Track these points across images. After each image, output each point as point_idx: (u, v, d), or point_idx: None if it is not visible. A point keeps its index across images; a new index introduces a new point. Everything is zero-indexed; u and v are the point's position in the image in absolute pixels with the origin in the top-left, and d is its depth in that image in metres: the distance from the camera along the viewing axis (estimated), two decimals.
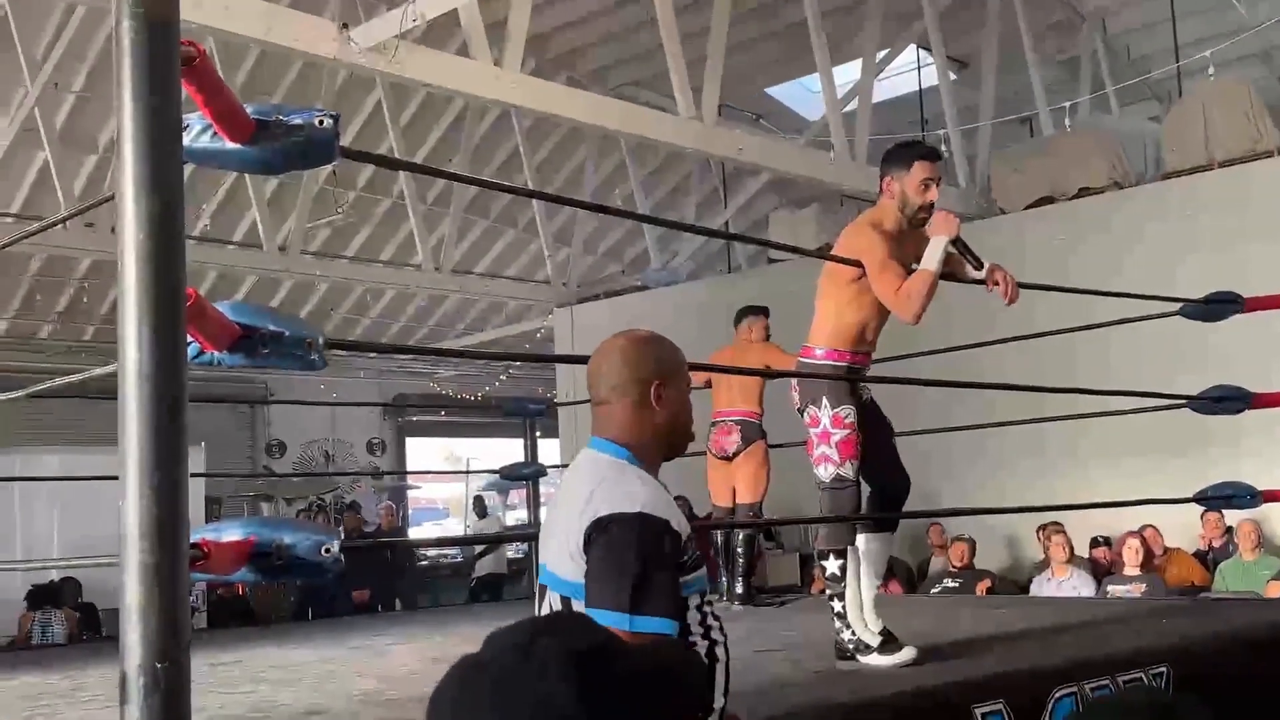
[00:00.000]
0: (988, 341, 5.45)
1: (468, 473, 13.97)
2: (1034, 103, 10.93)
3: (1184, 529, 7.96)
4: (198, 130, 2.07)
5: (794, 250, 5.06)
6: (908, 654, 3.37)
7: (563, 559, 1.90)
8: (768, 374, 4.74)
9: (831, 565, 3.49)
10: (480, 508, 13.39)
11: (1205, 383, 4.53)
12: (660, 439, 2.04)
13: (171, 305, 1.69)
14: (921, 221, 3.60)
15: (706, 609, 1.94)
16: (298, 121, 2.12)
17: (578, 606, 1.87)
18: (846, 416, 3.48)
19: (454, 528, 16.83)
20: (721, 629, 1.94)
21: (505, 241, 13.76)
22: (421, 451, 17.06)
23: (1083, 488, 8.16)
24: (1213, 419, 4.81)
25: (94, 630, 9.25)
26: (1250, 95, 8.65)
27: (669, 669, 0.86)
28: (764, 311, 6.43)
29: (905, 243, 3.56)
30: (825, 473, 3.51)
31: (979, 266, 3.61)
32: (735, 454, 6.13)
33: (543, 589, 1.99)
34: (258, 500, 13.52)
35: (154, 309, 1.66)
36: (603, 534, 1.84)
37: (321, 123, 2.12)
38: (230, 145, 2.10)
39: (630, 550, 1.81)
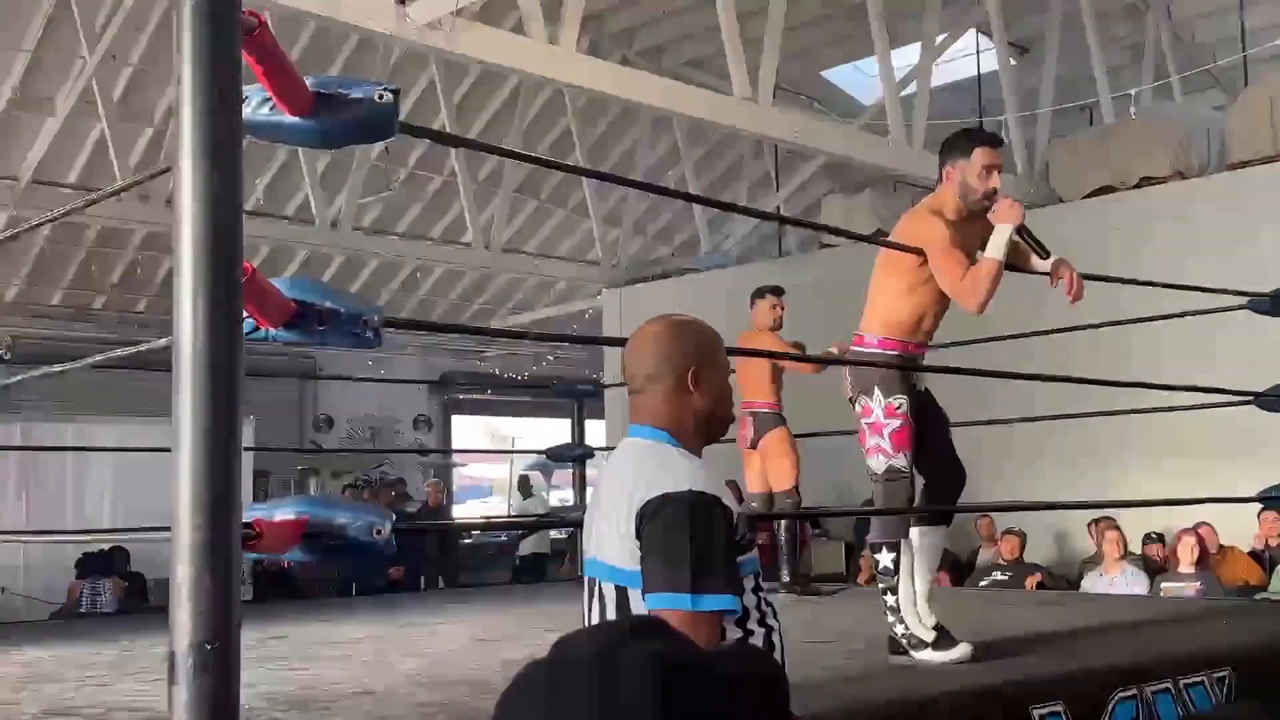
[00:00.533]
0: (1038, 331, 5.37)
1: (513, 452, 14.00)
2: (1095, 89, 10.73)
3: (1239, 527, 7.80)
4: (256, 102, 2.04)
5: (853, 236, 4.95)
6: (962, 651, 3.29)
7: (614, 548, 1.87)
8: (824, 360, 4.62)
9: (884, 558, 3.42)
10: (525, 488, 13.41)
11: (1265, 380, 4.42)
12: (699, 424, 2.00)
13: (228, 279, 1.66)
14: (983, 209, 3.51)
15: (761, 593, 1.90)
16: (358, 95, 2.09)
17: (634, 596, 1.83)
18: (899, 406, 3.40)
19: (498, 506, 16.89)
20: (775, 615, 1.89)
21: (555, 221, 13.74)
22: (466, 430, 17.12)
23: (1132, 484, 8.03)
24: (1264, 418, 4.67)
25: (141, 599, 9.35)
26: None
27: (757, 679, 0.81)
28: (769, 292, 6.33)
29: (967, 231, 3.48)
30: (877, 464, 3.44)
31: (1045, 256, 3.51)
32: (754, 444, 6.14)
33: (592, 582, 1.94)
34: (305, 474, 13.62)
35: (210, 282, 1.64)
36: (655, 516, 1.80)
37: (381, 97, 2.08)
38: (289, 118, 2.06)
39: (685, 529, 1.78)
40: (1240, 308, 4.55)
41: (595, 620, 1.91)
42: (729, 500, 1.86)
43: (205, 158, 1.65)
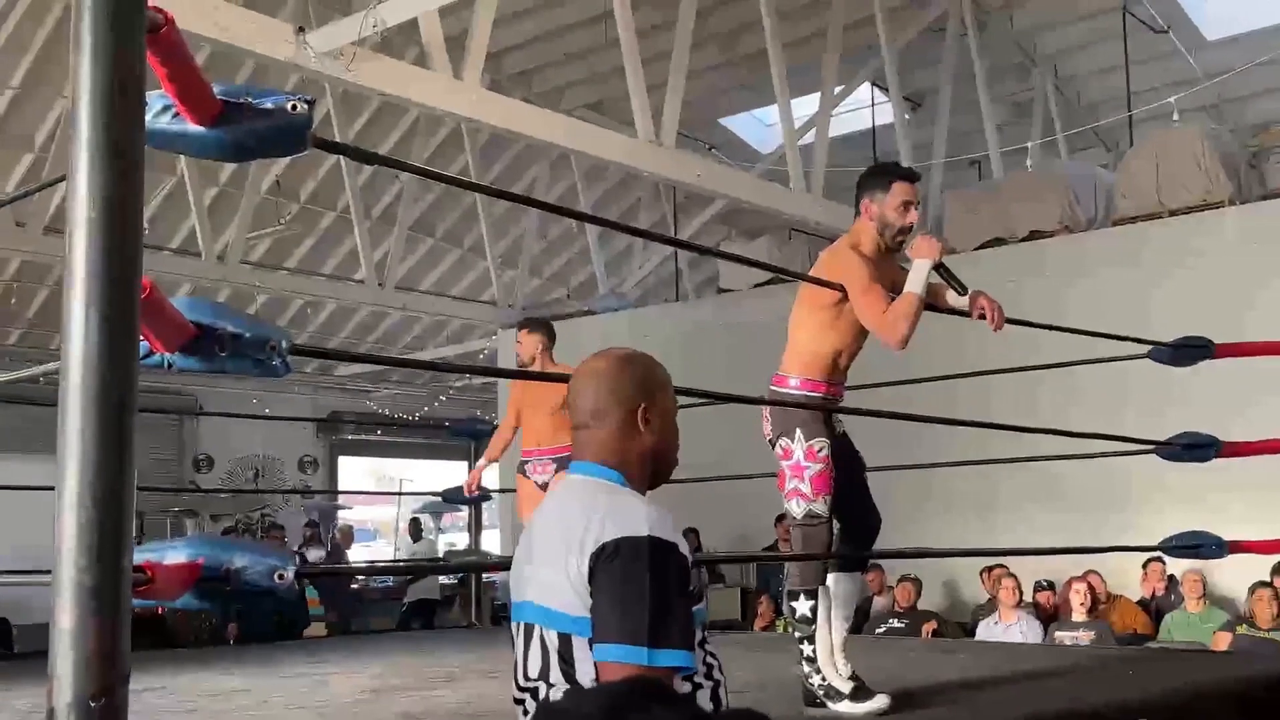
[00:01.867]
0: (945, 375, 5.39)
1: (406, 494, 13.70)
2: (985, 143, 10.99)
3: (1123, 577, 7.95)
4: (158, 109, 1.89)
5: (778, 271, 4.88)
6: (880, 702, 3.22)
7: (559, 592, 1.73)
8: (753, 401, 4.41)
9: (802, 606, 3.33)
10: (415, 530, 13.10)
11: (1162, 428, 4.47)
12: (646, 463, 1.89)
13: (125, 294, 1.49)
14: (899, 245, 3.49)
15: (707, 646, 1.79)
16: (269, 105, 1.95)
17: (579, 644, 1.70)
18: (820, 450, 3.34)
19: (383, 550, 16.50)
20: (721, 669, 1.78)
21: (451, 260, 13.57)
22: (353, 471, 16.72)
23: (1024, 530, 8.14)
24: (1163, 467, 4.73)
25: (6, 646, 8.84)
26: (1203, 145, 8.72)
27: None
28: (542, 326, 5.91)
29: (885, 267, 3.45)
30: (797, 508, 3.36)
31: (963, 292, 3.49)
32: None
33: (528, 628, 1.80)
34: (182, 516, 13.11)
35: (104, 297, 1.47)
36: (610, 561, 1.67)
37: (295, 107, 1.95)
38: (193, 128, 1.92)
39: (643, 577, 1.65)
40: (1142, 356, 4.61)
41: (535, 669, 1.77)
42: (684, 547, 1.74)
43: (104, 163, 1.49)
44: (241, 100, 1.94)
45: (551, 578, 1.74)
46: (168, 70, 1.80)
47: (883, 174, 3.52)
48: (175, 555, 1.85)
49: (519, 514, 6.07)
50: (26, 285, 11.68)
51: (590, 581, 1.69)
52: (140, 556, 1.72)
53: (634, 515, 1.73)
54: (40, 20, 9.02)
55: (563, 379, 2.08)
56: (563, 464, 5.56)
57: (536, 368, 5.72)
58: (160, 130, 1.90)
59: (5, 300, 11.85)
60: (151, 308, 1.70)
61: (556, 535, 1.78)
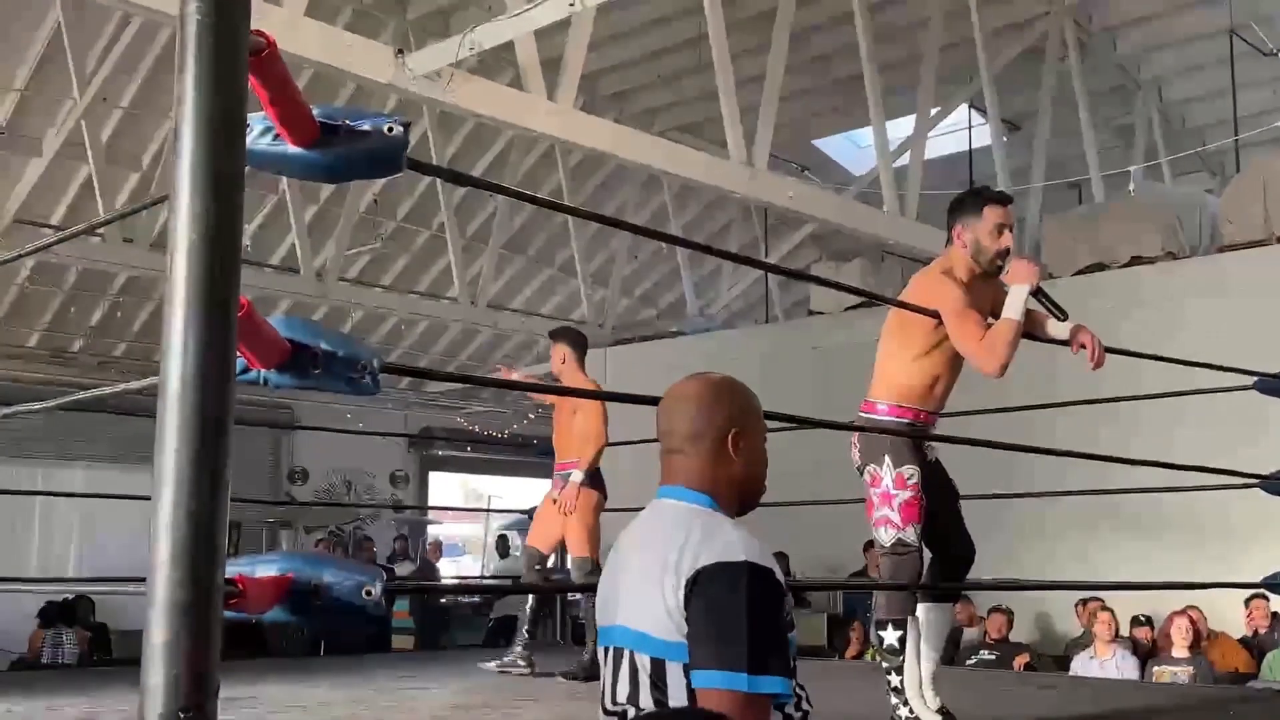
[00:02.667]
0: (1043, 405, 5.27)
1: (494, 511, 13.80)
2: (1083, 168, 10.78)
3: (1225, 613, 7.69)
4: (258, 131, 1.92)
5: (868, 295, 4.85)
6: None
7: (654, 617, 1.72)
8: (841, 426, 4.29)
9: (890, 636, 3.27)
10: (503, 547, 13.19)
11: (1266, 461, 4.32)
12: (735, 489, 1.88)
13: (223, 315, 1.52)
14: (996, 270, 3.43)
15: (796, 674, 1.77)
16: (365, 127, 1.97)
17: (673, 669, 1.69)
18: (910, 478, 3.28)
19: (470, 566, 16.63)
20: (809, 699, 1.76)
21: (542, 279, 13.67)
22: (443, 487, 16.89)
23: (1121, 563, 7.92)
24: (1265, 501, 4.57)
25: (105, 651, 9.08)
26: None
27: None
28: (566, 335, 5.86)
29: (979, 292, 3.38)
30: (885, 536, 3.31)
31: (1063, 318, 3.41)
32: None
33: (618, 652, 1.79)
34: (277, 527, 13.36)
35: (204, 318, 1.50)
36: (709, 586, 1.67)
37: (391, 130, 1.97)
38: (292, 149, 1.94)
39: (742, 603, 1.65)
40: (1248, 387, 4.46)
41: (624, 693, 1.77)
42: (779, 573, 1.73)
43: (206, 185, 1.53)
44: (339, 122, 1.96)
45: (645, 602, 1.74)
46: (269, 93, 1.83)
47: (974, 198, 3.47)
48: (266, 569, 1.87)
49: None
50: (132, 300, 12.02)
51: (686, 607, 1.68)
52: (232, 569, 1.75)
53: (730, 541, 1.72)
54: (150, 42, 9.30)
55: (647, 400, 2.07)
56: (564, 478, 5.59)
57: (564, 380, 5.67)
58: (260, 151, 1.93)
59: (112, 314, 12.21)
60: (249, 326, 1.73)
61: (650, 560, 1.77)
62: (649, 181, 12.16)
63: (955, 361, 3.38)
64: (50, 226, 10.38)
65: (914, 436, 3.35)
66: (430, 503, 16.50)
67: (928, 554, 3.42)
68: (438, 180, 11.13)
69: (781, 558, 8.48)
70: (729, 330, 12.19)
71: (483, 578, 13.99)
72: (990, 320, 3.31)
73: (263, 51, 1.71)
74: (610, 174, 12.24)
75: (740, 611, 1.64)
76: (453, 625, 12.48)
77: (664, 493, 1.89)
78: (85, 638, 8.97)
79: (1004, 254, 3.40)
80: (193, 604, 1.45)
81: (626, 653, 1.78)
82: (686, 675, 1.69)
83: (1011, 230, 3.43)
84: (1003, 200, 3.47)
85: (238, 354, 1.71)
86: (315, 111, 1.95)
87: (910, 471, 3.29)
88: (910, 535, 3.29)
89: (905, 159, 9.73)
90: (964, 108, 11.43)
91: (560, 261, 13.38)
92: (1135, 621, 7.68)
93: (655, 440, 1.95)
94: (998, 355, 3.21)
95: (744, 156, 7.91)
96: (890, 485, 3.29)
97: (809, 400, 6.36)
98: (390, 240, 12.15)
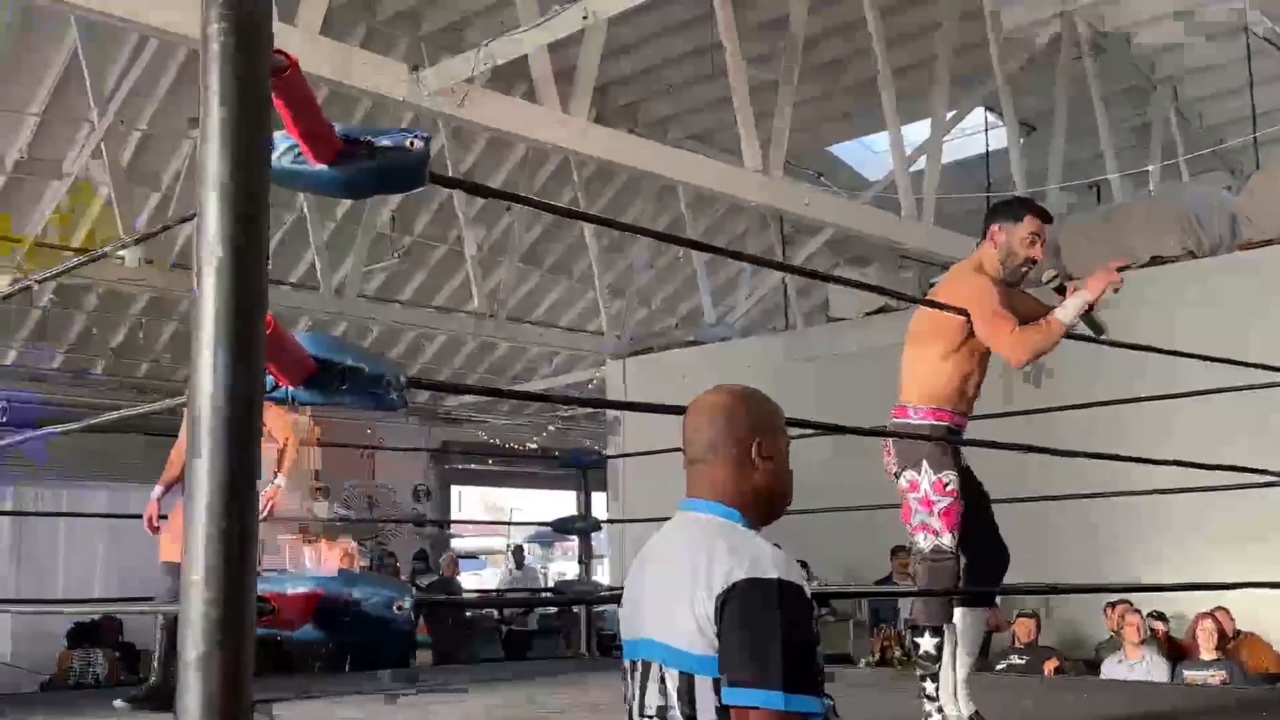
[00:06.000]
0: (1073, 406, 5.25)
1: (516, 524, 13.81)
2: (1102, 168, 10.73)
3: (1255, 612, 7.62)
4: (282, 149, 1.94)
5: (897, 295, 4.85)
6: None
7: (683, 631, 1.72)
8: (869, 433, 4.16)
9: (926, 643, 3.26)
10: (519, 558, 13.19)
11: None
12: (760, 500, 1.88)
13: (251, 332, 1.53)
14: (1019, 277, 3.43)
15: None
16: (387, 143, 1.98)
17: (702, 683, 1.69)
18: (949, 484, 3.27)
19: (491, 578, 16.64)
20: (835, 709, 1.75)
21: (559, 291, 13.69)
22: (465, 500, 16.92)
23: (1153, 564, 7.86)
24: None
25: (133, 671, 9.11)
26: None
27: None
28: None
29: (1010, 296, 3.39)
30: (924, 542, 3.29)
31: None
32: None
33: (646, 665, 1.79)
34: (299, 544, 13.38)
35: (232, 335, 1.51)
36: (741, 603, 1.67)
37: (412, 144, 1.98)
38: (314, 167, 1.96)
39: (775, 620, 1.65)
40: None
41: (652, 707, 1.76)
42: (809, 591, 1.73)
43: (231, 204, 1.54)
44: (361, 139, 1.97)
45: (674, 616, 1.74)
46: (291, 111, 1.84)
47: (1017, 205, 3.53)
48: (296, 586, 1.88)
49: None
50: (153, 320, 12.09)
51: (717, 622, 1.68)
52: (263, 587, 1.75)
53: (759, 556, 1.72)
54: (166, 64, 9.36)
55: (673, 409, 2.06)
56: None
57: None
58: (284, 169, 1.94)
59: (133, 335, 12.27)
60: (275, 343, 1.74)
61: (677, 573, 1.76)
62: (664, 192, 12.17)
63: (984, 359, 3.39)
64: (71, 249, 10.45)
65: (951, 442, 3.33)
66: (452, 516, 16.54)
67: (962, 560, 3.40)
68: (454, 195, 11.17)
69: (801, 565, 8.44)
70: (747, 338, 12.17)
71: (501, 591, 13.98)
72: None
73: (284, 70, 1.72)
74: (625, 185, 12.26)
75: (775, 629, 1.64)
76: (474, 639, 12.50)
77: (688, 505, 1.89)
78: (113, 658, 9.00)
79: (1030, 263, 3.43)
80: (226, 622, 1.45)
81: (654, 666, 1.77)
82: (715, 690, 1.69)
83: (1044, 245, 3.45)
84: (1045, 216, 3.52)
85: (265, 371, 1.72)
86: (337, 129, 1.96)
87: (949, 477, 3.29)
88: (949, 541, 3.28)
89: (921, 163, 9.71)
90: (979, 110, 11.40)
91: (578, 273, 13.40)
92: (1153, 616, 7.58)
93: (677, 450, 1.95)
94: (1027, 348, 3.21)
95: (759, 164, 7.91)
96: (929, 491, 3.29)
97: (830, 405, 6.34)
98: (408, 255, 12.19)
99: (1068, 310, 3.28)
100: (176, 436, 5.06)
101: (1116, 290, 3.33)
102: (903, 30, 9.94)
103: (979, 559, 3.43)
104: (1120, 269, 3.37)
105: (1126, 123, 11.83)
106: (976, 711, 3.21)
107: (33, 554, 11.34)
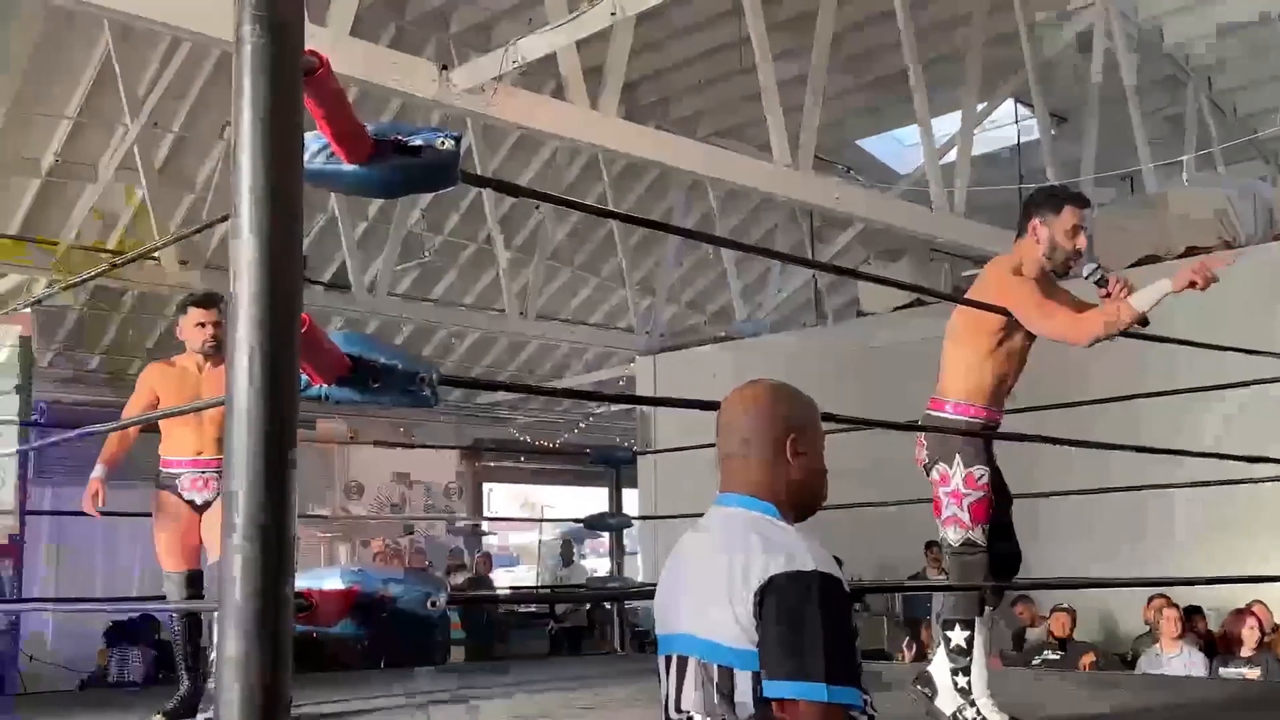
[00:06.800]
0: (1105, 399, 5.22)
1: (548, 520, 13.85)
2: (1134, 159, 10.63)
3: None
4: (314, 149, 1.95)
5: (926, 292, 4.83)
6: None
7: (721, 625, 1.72)
8: (903, 427, 4.02)
9: (957, 637, 3.25)
10: (567, 554, 13.23)
11: None
12: (794, 496, 1.88)
13: (287, 332, 1.55)
14: (1064, 271, 3.41)
15: None
16: (418, 142, 1.99)
17: (741, 676, 1.70)
18: (980, 478, 3.26)
19: (524, 576, 16.70)
20: (873, 704, 1.76)
21: (589, 289, 13.71)
22: (497, 498, 16.98)
23: (1182, 558, 7.79)
24: None
25: (170, 669, 9.19)
26: None
27: None
28: (194, 304, 4.66)
29: (1049, 288, 3.36)
30: (954, 536, 3.28)
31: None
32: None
33: (682, 660, 1.79)
34: (334, 542, 13.49)
35: (268, 335, 1.53)
36: (782, 596, 1.67)
37: (444, 144, 1.99)
38: (347, 167, 1.97)
39: (816, 613, 1.66)
40: None
41: (689, 701, 1.77)
42: (846, 585, 1.74)
43: (266, 204, 1.56)
44: (392, 138, 1.98)
45: (712, 611, 1.74)
46: (324, 112, 1.85)
47: (1055, 196, 3.47)
48: (332, 582, 1.90)
49: None
50: None
51: (757, 616, 1.69)
52: (300, 583, 1.77)
53: (797, 550, 1.73)
54: (199, 66, 9.43)
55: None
56: None
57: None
58: (317, 170, 1.96)
59: (169, 335, 12.36)
60: (310, 342, 1.75)
61: (714, 567, 1.77)
62: (694, 187, 12.16)
63: (1022, 359, 3.38)
64: (107, 251, 10.56)
65: (984, 436, 3.32)
66: (484, 514, 16.61)
67: None
68: (484, 193, 11.20)
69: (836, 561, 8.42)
70: (777, 334, 12.15)
71: (538, 587, 14.02)
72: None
73: (316, 71, 1.73)
74: (654, 181, 12.25)
75: (816, 622, 1.65)
76: (510, 636, 12.54)
77: (723, 499, 1.89)
78: (151, 656, 9.08)
79: (1075, 256, 3.39)
80: (265, 617, 1.47)
81: (692, 661, 1.78)
82: (755, 683, 1.69)
83: (1085, 234, 3.42)
84: (1083, 204, 3.47)
85: (300, 370, 1.73)
86: (368, 128, 1.97)
87: (981, 472, 3.28)
88: (979, 535, 3.27)
89: (951, 155, 9.65)
90: (1010, 102, 11.32)
91: (607, 271, 13.41)
92: (1189, 611, 7.51)
93: (708, 446, 1.96)
94: (1092, 332, 3.18)
95: (788, 159, 7.88)
96: (960, 485, 3.28)
97: (861, 400, 6.32)
98: (438, 254, 12.24)
99: (1144, 298, 3.22)
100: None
101: (1203, 288, 3.26)
102: (932, 22, 9.88)
103: (997, 555, 3.40)
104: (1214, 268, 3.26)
105: (1160, 113, 11.71)
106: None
107: (71, 553, 11.46)
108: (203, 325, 4.57)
